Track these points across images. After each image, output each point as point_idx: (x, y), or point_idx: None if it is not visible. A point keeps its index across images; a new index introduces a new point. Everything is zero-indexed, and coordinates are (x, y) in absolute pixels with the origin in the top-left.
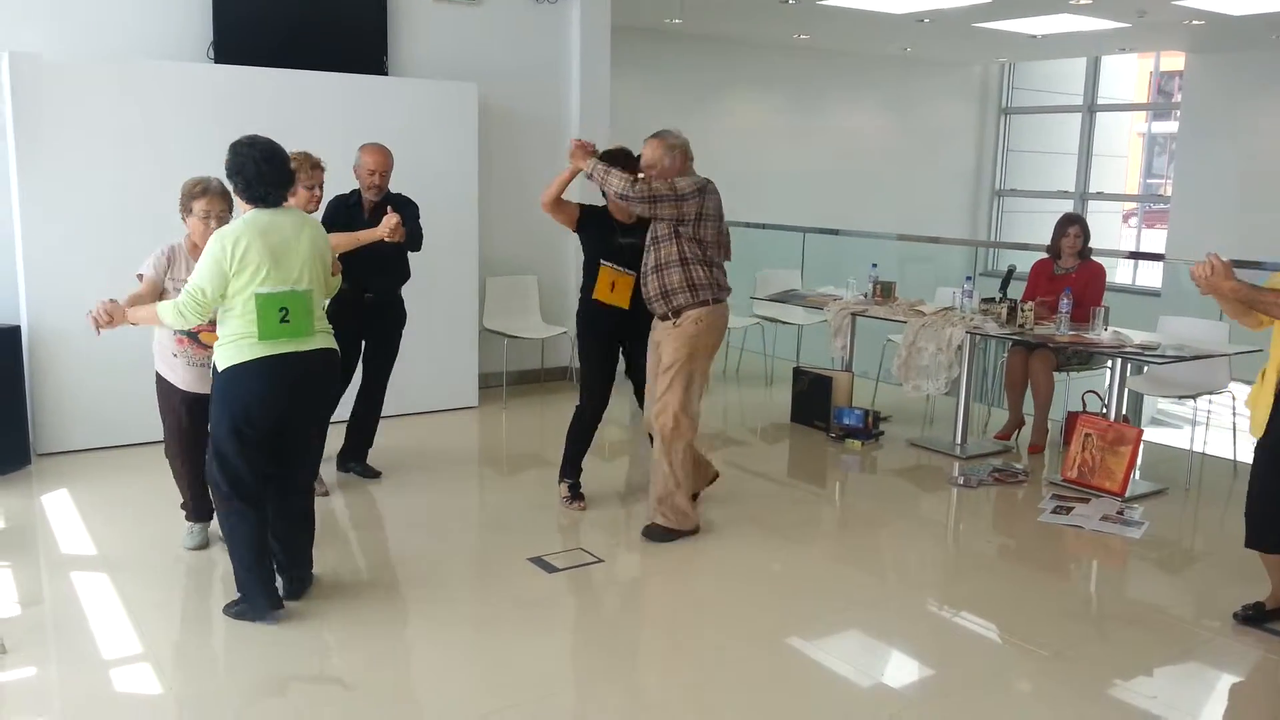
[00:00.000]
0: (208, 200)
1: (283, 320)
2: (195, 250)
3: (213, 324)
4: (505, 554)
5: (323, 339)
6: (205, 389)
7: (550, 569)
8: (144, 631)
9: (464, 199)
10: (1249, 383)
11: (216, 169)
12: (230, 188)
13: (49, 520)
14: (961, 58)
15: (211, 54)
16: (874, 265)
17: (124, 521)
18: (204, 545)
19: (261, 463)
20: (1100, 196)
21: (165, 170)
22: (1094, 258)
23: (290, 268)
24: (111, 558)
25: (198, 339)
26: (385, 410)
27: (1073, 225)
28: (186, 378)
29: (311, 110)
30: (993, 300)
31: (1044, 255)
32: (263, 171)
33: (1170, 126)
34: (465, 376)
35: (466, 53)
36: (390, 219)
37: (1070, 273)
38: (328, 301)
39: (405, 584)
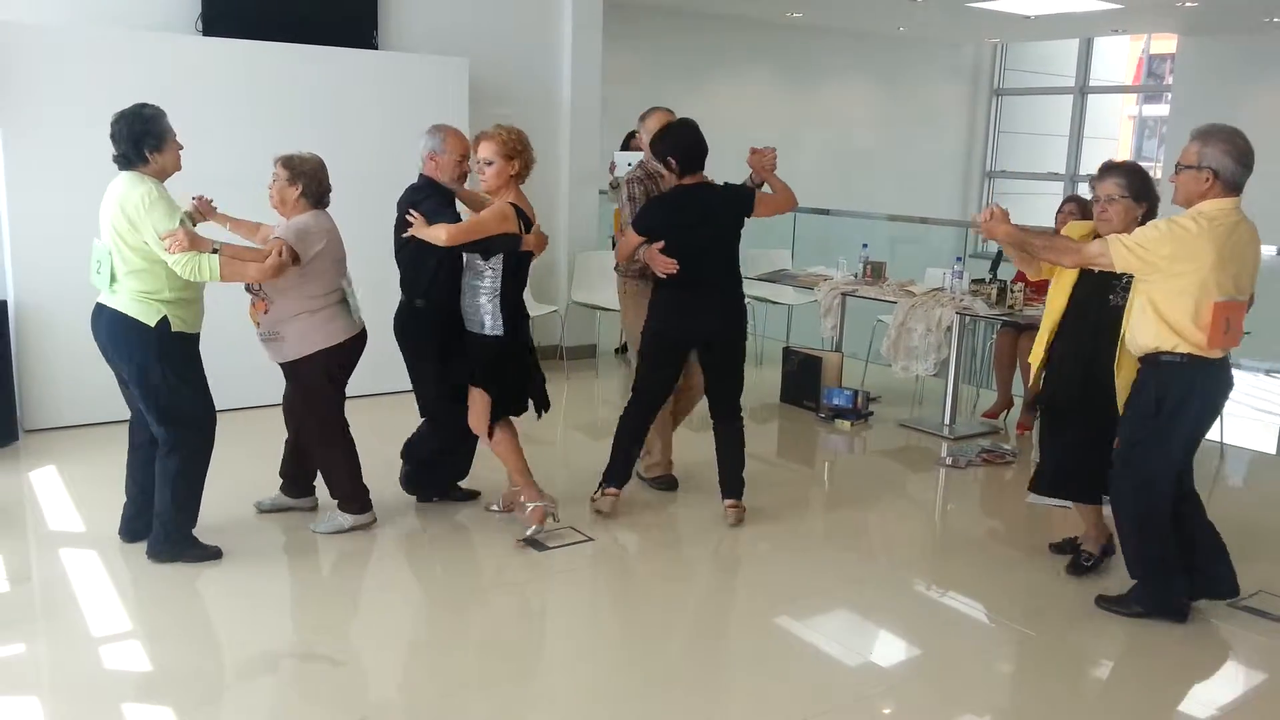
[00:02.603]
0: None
1: (97, 271)
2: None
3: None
4: (496, 533)
5: (112, 299)
6: (275, 358)
7: (541, 547)
8: (133, 608)
9: None
10: (1240, 368)
11: (202, 142)
12: None
13: (37, 497)
14: (954, 37)
15: (200, 26)
16: (864, 245)
17: (112, 498)
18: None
19: (133, 403)
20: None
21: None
22: None
23: (103, 225)
24: (100, 535)
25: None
26: (369, 389)
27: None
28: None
29: (300, 85)
30: (982, 281)
31: None
32: (111, 136)
33: (1161, 109)
34: None
35: (458, 27)
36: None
37: None
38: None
39: (396, 562)
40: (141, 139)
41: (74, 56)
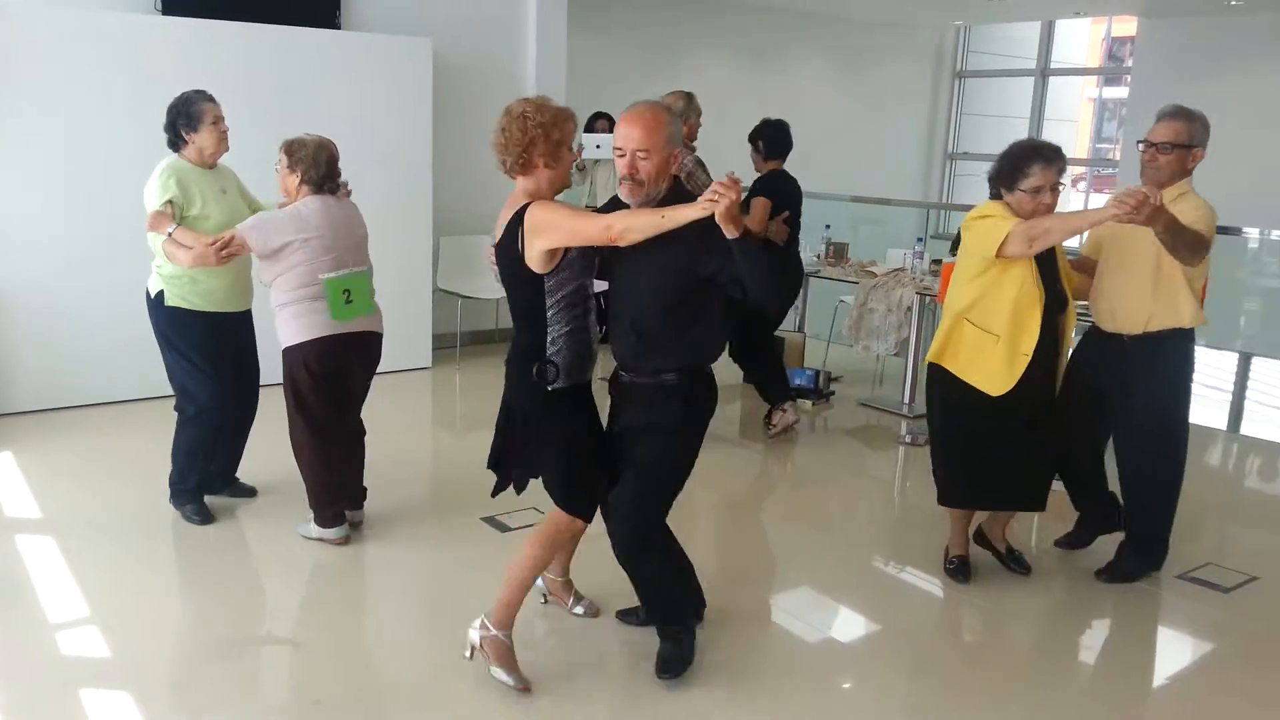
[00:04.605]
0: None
1: None
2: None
3: None
4: (458, 514)
5: None
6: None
7: (503, 528)
8: (91, 595)
9: (417, 157)
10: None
11: (160, 123)
12: None
13: None
14: (918, 20)
15: (159, 5)
16: (827, 226)
17: (69, 484)
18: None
19: None
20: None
21: (112, 124)
22: None
23: None
24: (57, 521)
25: None
26: None
27: None
28: None
29: (261, 65)
30: (942, 261)
31: None
32: None
33: (1121, 92)
34: (419, 337)
35: (421, 7)
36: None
37: None
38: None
39: (357, 544)
40: (176, 121)
41: (31, 38)
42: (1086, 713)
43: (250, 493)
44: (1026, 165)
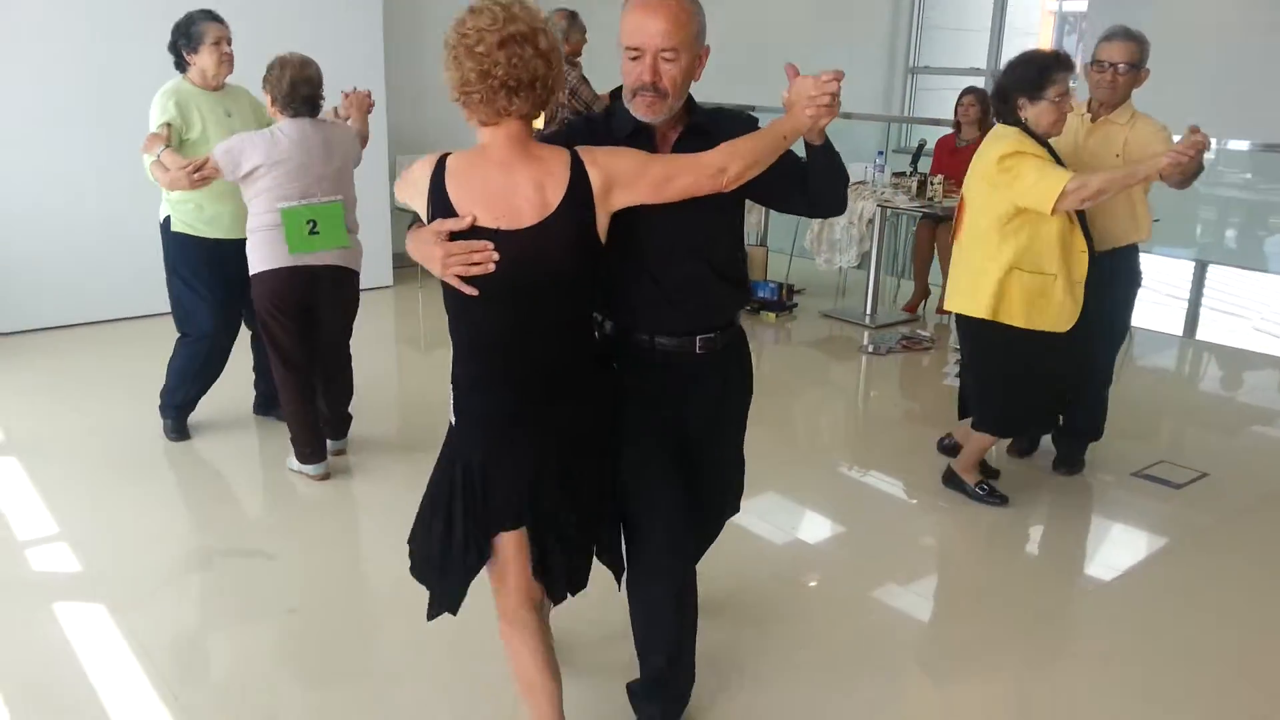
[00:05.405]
0: None
1: None
2: None
3: None
4: (427, 433)
5: None
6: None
7: None
8: (59, 512)
9: (369, 73)
10: (1155, 252)
11: (80, 54)
12: None
13: None
14: None
15: None
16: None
17: (31, 406)
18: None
19: None
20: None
21: (28, 57)
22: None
23: None
24: (19, 441)
25: None
26: None
27: (966, 95)
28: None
29: None
30: (903, 174)
31: (949, 131)
32: None
33: (1080, 4)
34: (379, 256)
35: None
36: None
37: (970, 144)
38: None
39: (332, 465)
40: (177, 41)
41: None
42: (1046, 606)
43: None
44: (1053, 73)
